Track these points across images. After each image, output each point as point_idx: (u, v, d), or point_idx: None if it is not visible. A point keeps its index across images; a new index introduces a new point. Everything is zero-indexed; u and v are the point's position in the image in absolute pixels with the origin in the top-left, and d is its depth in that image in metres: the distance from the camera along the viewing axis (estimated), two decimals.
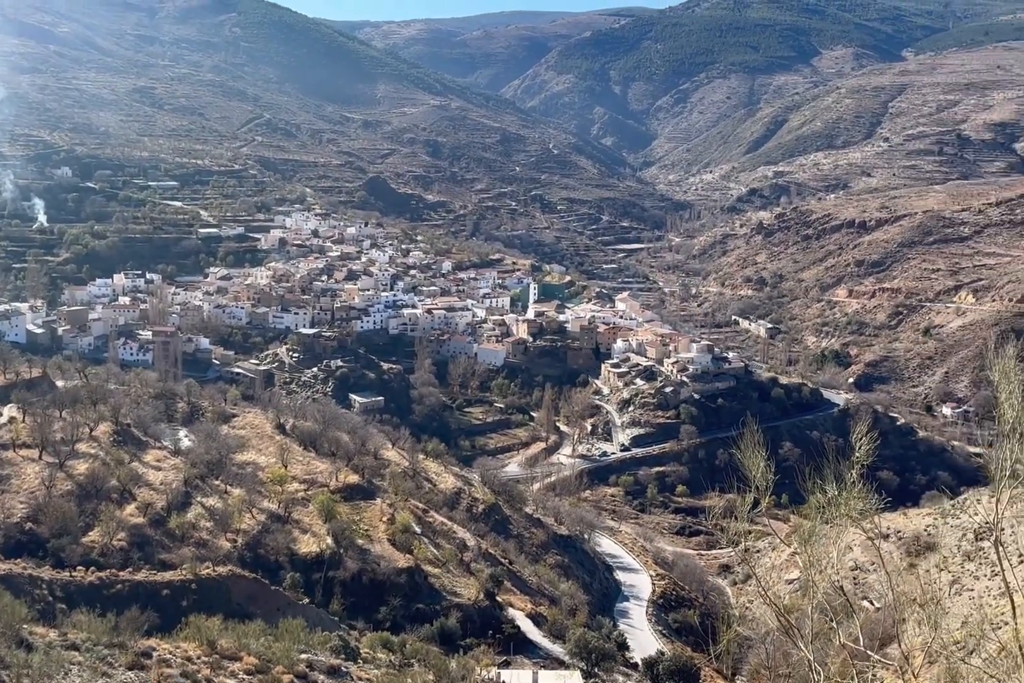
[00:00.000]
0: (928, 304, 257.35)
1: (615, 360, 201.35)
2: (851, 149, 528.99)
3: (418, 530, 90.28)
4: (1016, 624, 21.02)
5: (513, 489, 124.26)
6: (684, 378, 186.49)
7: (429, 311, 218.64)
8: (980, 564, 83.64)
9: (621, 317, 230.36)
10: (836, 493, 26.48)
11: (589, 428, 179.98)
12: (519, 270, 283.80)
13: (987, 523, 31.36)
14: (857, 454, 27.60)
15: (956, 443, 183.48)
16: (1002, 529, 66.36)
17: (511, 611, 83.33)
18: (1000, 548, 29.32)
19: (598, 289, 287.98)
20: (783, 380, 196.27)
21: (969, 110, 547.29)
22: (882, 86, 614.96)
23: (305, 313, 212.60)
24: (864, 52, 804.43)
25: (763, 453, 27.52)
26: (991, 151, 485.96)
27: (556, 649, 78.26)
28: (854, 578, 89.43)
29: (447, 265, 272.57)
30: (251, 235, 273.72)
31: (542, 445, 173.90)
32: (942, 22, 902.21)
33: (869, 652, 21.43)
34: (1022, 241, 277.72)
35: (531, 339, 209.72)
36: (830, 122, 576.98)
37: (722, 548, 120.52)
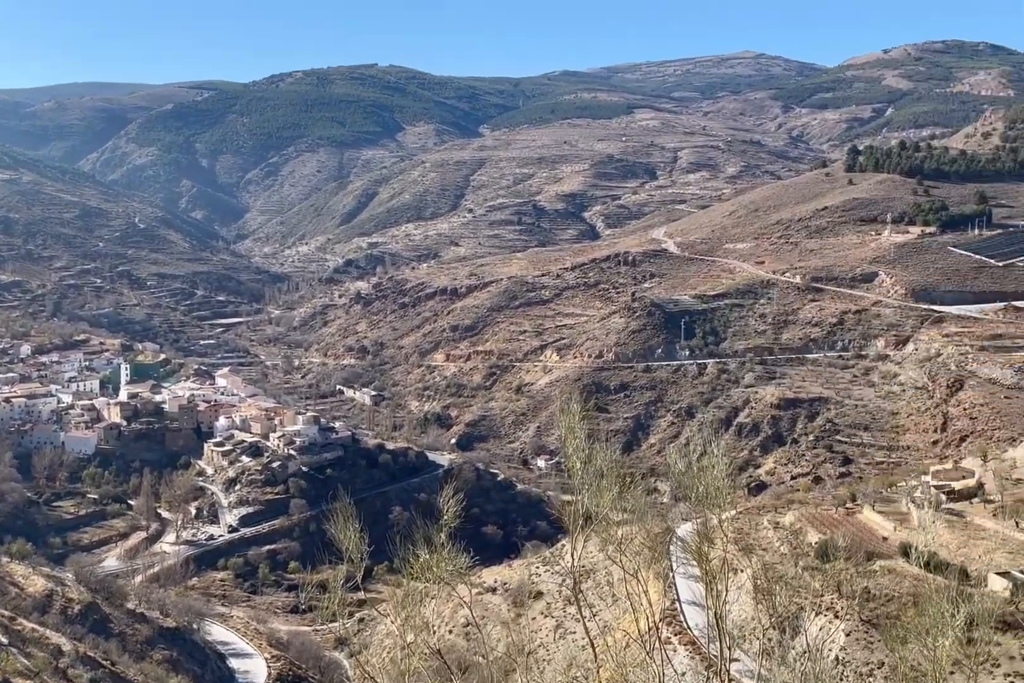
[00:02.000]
0: (518, 364, 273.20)
1: (218, 438, 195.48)
2: (439, 220, 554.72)
3: (4, 640, 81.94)
4: (598, 668, 22.38)
5: (112, 585, 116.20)
6: (291, 451, 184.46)
7: (7, 400, 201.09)
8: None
9: (223, 394, 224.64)
10: (427, 557, 27.08)
11: (194, 512, 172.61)
12: (108, 350, 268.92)
13: (570, 570, 33.27)
14: (445, 517, 28.45)
15: (551, 493, 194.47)
16: (594, 571, 70.76)
17: None
18: (579, 593, 31.26)
19: (197, 366, 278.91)
20: (390, 446, 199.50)
21: (543, 182, 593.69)
22: (464, 160, 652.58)
23: None
24: (445, 128, 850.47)
25: (356, 525, 27.60)
26: (564, 220, 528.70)
27: None
28: (466, 634, 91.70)
29: (26, 349, 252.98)
30: None
31: (143, 534, 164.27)
32: (513, 100, 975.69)
33: None
34: (595, 301, 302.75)
35: (125, 423, 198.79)
36: (418, 195, 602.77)
37: (335, 622, 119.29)
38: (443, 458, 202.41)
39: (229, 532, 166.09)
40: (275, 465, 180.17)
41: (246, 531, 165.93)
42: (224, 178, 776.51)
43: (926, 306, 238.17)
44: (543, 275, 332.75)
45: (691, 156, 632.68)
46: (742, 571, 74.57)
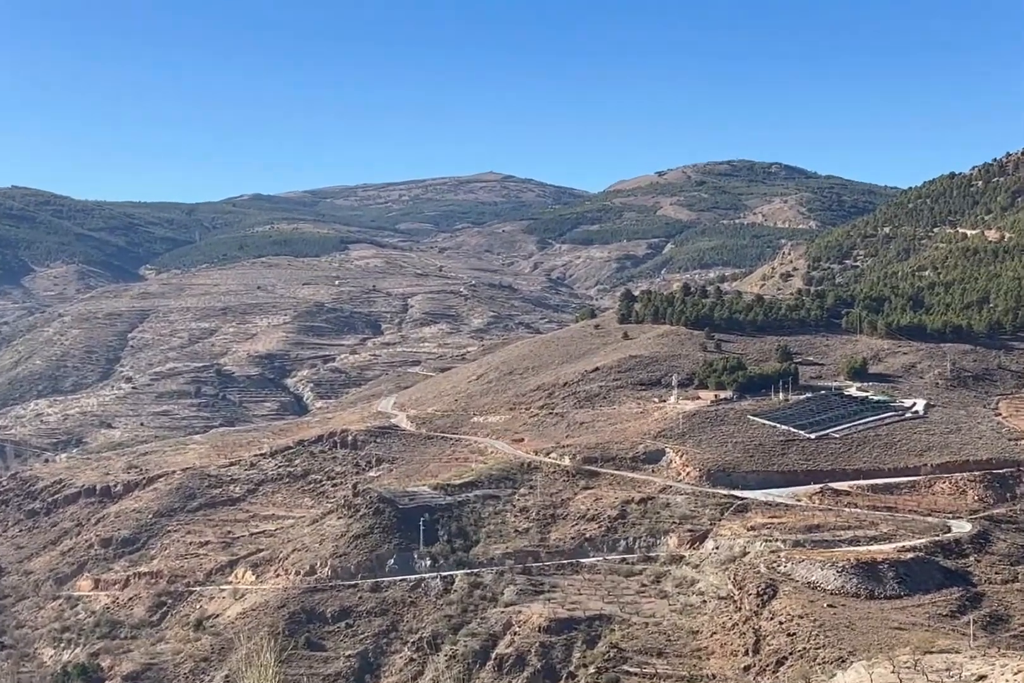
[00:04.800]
0: (199, 588, 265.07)
1: None
2: (85, 393, 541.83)
3: None
4: None
5: None
6: None
7: None
8: None
9: None
10: None
11: None
12: None
13: None
14: None
15: None
16: None
17: None
18: None
19: None
20: None
21: (230, 340, 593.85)
22: (119, 312, 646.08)
23: None
24: (92, 270, 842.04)
25: None
26: (260, 389, 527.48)
27: None
28: None
29: None
30: None
31: None
32: (187, 233, 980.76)
33: None
34: (305, 498, 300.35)
35: None
36: (54, 359, 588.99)
37: None
38: None
39: None
40: None
41: None
42: None
43: (726, 491, 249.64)
44: (232, 464, 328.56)
45: (426, 304, 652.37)
46: None
